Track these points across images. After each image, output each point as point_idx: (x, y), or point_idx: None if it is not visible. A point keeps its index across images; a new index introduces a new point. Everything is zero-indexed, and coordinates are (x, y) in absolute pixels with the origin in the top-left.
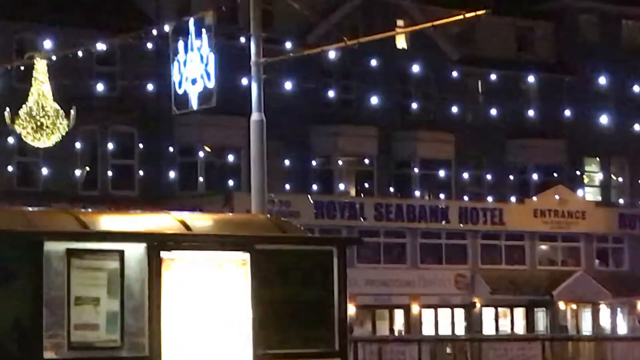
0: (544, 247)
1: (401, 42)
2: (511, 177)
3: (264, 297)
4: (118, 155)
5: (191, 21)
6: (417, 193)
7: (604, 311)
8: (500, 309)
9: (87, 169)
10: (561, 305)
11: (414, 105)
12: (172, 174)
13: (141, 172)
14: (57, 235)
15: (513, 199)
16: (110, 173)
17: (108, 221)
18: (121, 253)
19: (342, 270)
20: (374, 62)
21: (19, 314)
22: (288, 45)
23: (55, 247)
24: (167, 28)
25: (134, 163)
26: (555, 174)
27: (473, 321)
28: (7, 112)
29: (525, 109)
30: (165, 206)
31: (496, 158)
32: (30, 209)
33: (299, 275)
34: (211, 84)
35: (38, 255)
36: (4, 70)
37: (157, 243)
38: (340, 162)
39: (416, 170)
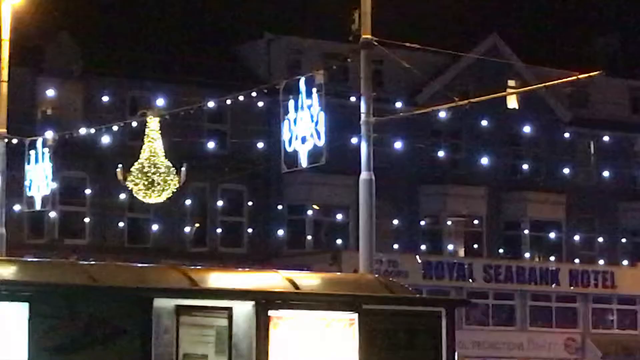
0: None
1: (512, 103)
2: (623, 240)
3: (372, 358)
4: (227, 213)
5: (302, 80)
6: (527, 255)
7: None
8: None
9: (197, 225)
10: None
11: (525, 166)
12: (280, 232)
13: (250, 230)
14: (167, 292)
15: (625, 262)
16: (219, 230)
17: (217, 278)
18: (230, 310)
19: (451, 332)
20: (484, 122)
21: None
22: (398, 104)
23: (164, 304)
24: (277, 87)
25: (243, 220)
26: None
27: None
28: (119, 169)
29: (638, 171)
30: (273, 264)
31: (608, 220)
32: (140, 265)
33: (407, 336)
34: (321, 143)
35: (147, 312)
36: (117, 127)
37: (265, 301)
38: (449, 222)
39: (526, 231)
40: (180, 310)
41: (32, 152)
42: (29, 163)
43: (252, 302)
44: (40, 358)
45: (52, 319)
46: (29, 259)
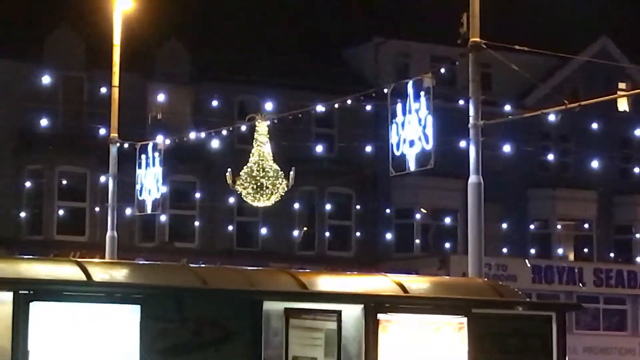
0: None
1: (623, 105)
2: None
3: None
4: (335, 216)
5: (410, 84)
6: (638, 259)
7: None
8: None
9: (305, 229)
10: None
11: (636, 169)
12: (388, 236)
13: (358, 234)
14: (277, 295)
15: None
16: (327, 234)
17: (326, 282)
18: (339, 314)
19: (561, 336)
20: (594, 125)
21: None
22: (507, 107)
23: (274, 307)
24: (385, 90)
25: (350, 224)
26: None
27: None
28: (228, 173)
29: None
30: (380, 268)
31: None
32: (250, 268)
33: (517, 341)
34: (429, 146)
35: (257, 315)
36: (226, 132)
37: (374, 305)
38: (558, 227)
39: (638, 235)
40: (289, 313)
41: (143, 157)
42: (140, 167)
43: (362, 306)
44: (152, 359)
45: (163, 322)
46: (141, 262)
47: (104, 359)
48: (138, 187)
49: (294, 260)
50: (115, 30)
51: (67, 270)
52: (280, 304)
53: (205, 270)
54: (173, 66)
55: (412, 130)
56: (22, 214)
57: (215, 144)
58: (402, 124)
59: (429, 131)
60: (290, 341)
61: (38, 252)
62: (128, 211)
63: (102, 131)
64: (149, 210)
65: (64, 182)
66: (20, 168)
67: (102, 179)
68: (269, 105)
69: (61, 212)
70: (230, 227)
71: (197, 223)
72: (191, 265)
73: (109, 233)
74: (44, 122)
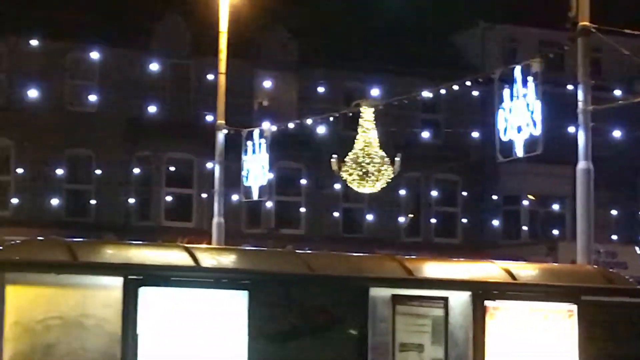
0: None
1: None
2: None
3: (592, 351)
4: (441, 203)
5: (517, 69)
6: None
7: None
8: None
9: (411, 216)
10: None
11: None
12: (495, 223)
13: (464, 220)
14: (383, 282)
15: None
16: (433, 220)
17: (432, 268)
18: (445, 301)
19: None
20: None
21: (343, 359)
22: (617, 92)
23: (380, 293)
24: (492, 76)
25: (457, 211)
26: None
27: None
28: (334, 159)
29: None
30: (486, 255)
31: None
32: (356, 254)
33: (627, 328)
34: (537, 132)
35: (364, 301)
36: (332, 118)
37: (482, 292)
38: None
39: None
40: (396, 299)
41: (249, 143)
42: (246, 154)
43: (469, 293)
44: (259, 346)
45: (270, 307)
46: (248, 248)
47: (212, 345)
48: (244, 173)
49: (400, 247)
50: (221, 17)
51: (175, 256)
52: (386, 291)
53: (312, 256)
54: (279, 53)
55: (519, 116)
56: (131, 200)
57: (321, 130)
58: (510, 110)
59: (537, 117)
60: (397, 328)
61: (146, 238)
62: (234, 197)
63: (209, 118)
64: (255, 197)
65: (172, 168)
66: (129, 155)
67: (209, 165)
68: (374, 91)
69: (169, 198)
70: (336, 214)
71: (302, 209)
72: (298, 251)
73: (215, 219)
74: (152, 109)
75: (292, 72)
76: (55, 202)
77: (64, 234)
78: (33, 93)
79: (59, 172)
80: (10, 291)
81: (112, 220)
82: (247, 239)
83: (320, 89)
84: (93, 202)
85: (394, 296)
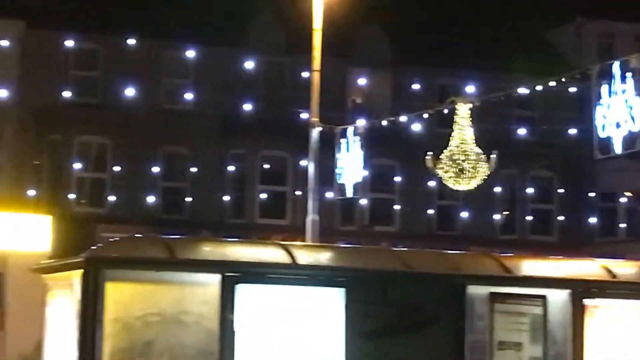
0: None
1: None
2: None
3: None
4: (537, 200)
5: (616, 65)
6: None
7: None
8: None
9: (506, 213)
10: None
11: None
12: (592, 220)
13: (560, 218)
14: (481, 279)
15: None
16: (529, 218)
17: (531, 266)
18: (544, 299)
19: None
20: None
21: (440, 357)
22: None
23: (478, 291)
24: (589, 72)
25: (553, 208)
26: None
27: None
28: (429, 156)
29: None
30: (583, 252)
31: None
32: (452, 252)
33: None
34: (636, 128)
35: (461, 299)
36: (427, 115)
37: (581, 290)
38: None
39: None
40: (494, 297)
41: (343, 140)
42: (340, 151)
43: (568, 291)
44: (356, 342)
45: (367, 305)
46: (345, 245)
47: (308, 342)
48: (338, 171)
49: (495, 244)
50: (315, 14)
51: (272, 253)
52: (484, 288)
53: (408, 253)
54: (373, 49)
55: (618, 112)
56: (226, 198)
57: (415, 127)
58: (608, 106)
59: (637, 113)
60: (495, 326)
61: (240, 236)
62: (328, 195)
63: (303, 115)
64: (349, 194)
65: (266, 166)
66: (224, 152)
67: (303, 163)
68: (470, 88)
69: (263, 195)
70: (430, 211)
71: (397, 207)
72: (394, 248)
73: (310, 217)
74: (246, 107)
75: (386, 69)
76: (150, 199)
77: (159, 231)
78: (129, 91)
79: (155, 169)
80: (110, 288)
81: (206, 218)
82: (341, 237)
83: (415, 86)
84: (188, 199)
85: (491, 294)
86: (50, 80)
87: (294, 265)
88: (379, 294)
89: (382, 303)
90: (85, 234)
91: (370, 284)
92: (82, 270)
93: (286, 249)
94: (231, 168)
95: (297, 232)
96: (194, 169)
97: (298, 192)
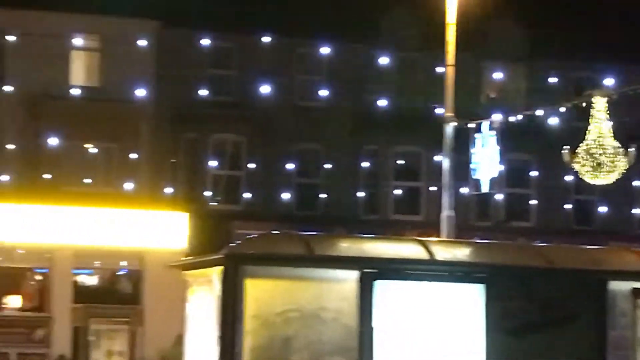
0: None
1: None
2: None
3: None
4: None
5: None
6: None
7: None
8: None
9: None
10: None
11: None
12: None
13: None
14: (624, 275)
15: None
16: None
17: None
18: None
19: None
20: None
21: (581, 354)
22: None
23: (620, 287)
24: None
25: None
26: None
27: None
28: (565, 150)
29: None
30: None
31: None
32: (593, 247)
33: None
34: None
35: (602, 295)
36: (563, 109)
37: None
38: None
39: None
40: (637, 293)
41: (478, 135)
42: (475, 146)
43: None
44: (497, 339)
45: (507, 301)
46: (483, 241)
47: (447, 338)
48: (473, 166)
49: (635, 240)
50: (449, 8)
51: (410, 249)
52: (627, 284)
53: (549, 249)
54: (508, 43)
55: None
56: (360, 194)
57: (551, 121)
58: None
59: None
60: (639, 322)
61: (374, 232)
62: (463, 190)
63: (437, 110)
64: (485, 190)
65: (400, 161)
66: (357, 148)
67: (437, 158)
68: (607, 81)
69: (397, 191)
70: (567, 206)
71: (533, 202)
72: (533, 244)
73: (445, 212)
74: (380, 103)
75: (521, 63)
76: (285, 196)
77: (294, 227)
78: (264, 89)
79: (289, 166)
80: (249, 284)
81: (341, 214)
82: (477, 232)
83: (551, 80)
84: (322, 195)
85: (634, 289)
86: (186, 79)
87: (433, 261)
88: (519, 290)
89: (523, 299)
90: (221, 231)
91: (511, 280)
92: (221, 267)
93: (424, 244)
94: (365, 164)
95: (431, 228)
96: (327, 165)
97: (432, 188)
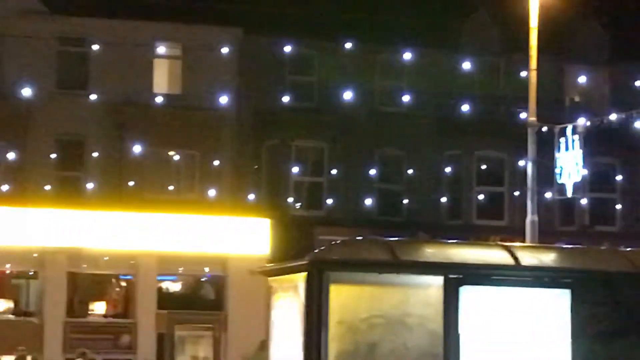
0: None
1: None
2: None
3: None
4: None
5: None
6: None
7: None
8: None
9: None
10: None
11: None
12: None
13: None
14: None
15: None
16: None
17: None
18: None
19: None
20: None
21: None
22: None
23: None
24: None
25: None
26: None
27: None
28: None
29: None
30: None
31: None
32: None
33: None
34: None
35: None
36: None
37: None
38: None
39: None
40: None
41: (562, 140)
42: (559, 150)
43: None
44: (583, 344)
45: (594, 306)
46: (569, 246)
47: (532, 344)
48: (557, 170)
49: None
50: (532, 12)
51: (494, 255)
52: None
53: (635, 253)
54: (591, 47)
55: None
56: (443, 199)
57: (636, 125)
58: None
59: None
60: None
61: (457, 237)
62: (547, 195)
63: (520, 115)
64: (569, 194)
65: (483, 166)
66: (440, 154)
67: (521, 163)
68: None
69: (480, 196)
70: None
71: (618, 206)
72: (619, 248)
73: (529, 217)
74: (462, 108)
75: (605, 66)
76: (367, 201)
77: (376, 232)
78: (345, 95)
79: (371, 172)
80: (334, 290)
81: (423, 219)
82: (561, 237)
83: (635, 83)
84: (404, 201)
85: None
86: (267, 86)
87: (518, 266)
88: (606, 295)
89: (609, 304)
90: (304, 236)
91: (598, 285)
92: (306, 273)
93: (509, 249)
94: (447, 169)
95: (515, 233)
96: (410, 171)
97: (516, 193)
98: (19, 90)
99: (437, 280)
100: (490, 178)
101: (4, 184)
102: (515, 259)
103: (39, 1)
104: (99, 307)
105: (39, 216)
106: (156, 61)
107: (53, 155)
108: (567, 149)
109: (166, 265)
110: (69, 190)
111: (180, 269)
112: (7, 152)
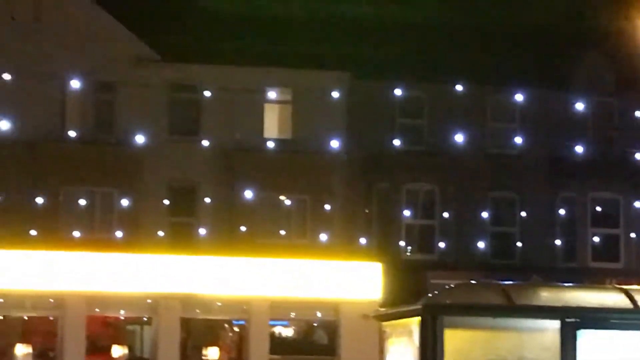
0: None
1: None
2: None
3: None
4: None
5: None
6: None
7: None
8: None
9: None
10: None
11: None
12: None
13: None
14: None
15: None
16: None
17: None
18: None
19: None
20: None
21: None
22: None
23: None
24: None
25: None
26: None
27: None
28: None
29: None
30: None
31: None
32: None
33: None
34: None
35: None
36: None
37: None
38: None
39: None
40: None
41: None
42: None
43: None
44: None
45: None
46: None
47: None
48: None
49: None
50: None
51: (612, 298)
52: None
53: None
54: None
55: None
56: (557, 242)
57: None
58: None
59: None
60: None
61: (572, 280)
62: None
63: (635, 155)
64: None
65: (597, 208)
66: (554, 195)
67: (636, 204)
68: None
69: (595, 238)
70: None
71: None
72: None
73: None
74: (575, 149)
75: None
76: (480, 245)
77: (489, 276)
78: (456, 137)
79: (484, 215)
80: (448, 334)
81: (537, 262)
82: None
83: None
84: (518, 244)
85: None
86: (377, 129)
87: (637, 309)
88: None
89: None
90: (415, 280)
91: None
92: (420, 317)
93: (626, 293)
94: (561, 211)
95: (631, 275)
96: (523, 213)
97: (632, 234)
98: (132, 137)
99: (554, 324)
100: (606, 220)
101: (118, 230)
102: (634, 302)
103: (152, 49)
104: (212, 353)
105: (152, 262)
106: (267, 106)
107: (165, 201)
108: None
109: (278, 310)
110: (181, 236)
111: (292, 314)
112: (121, 199)
